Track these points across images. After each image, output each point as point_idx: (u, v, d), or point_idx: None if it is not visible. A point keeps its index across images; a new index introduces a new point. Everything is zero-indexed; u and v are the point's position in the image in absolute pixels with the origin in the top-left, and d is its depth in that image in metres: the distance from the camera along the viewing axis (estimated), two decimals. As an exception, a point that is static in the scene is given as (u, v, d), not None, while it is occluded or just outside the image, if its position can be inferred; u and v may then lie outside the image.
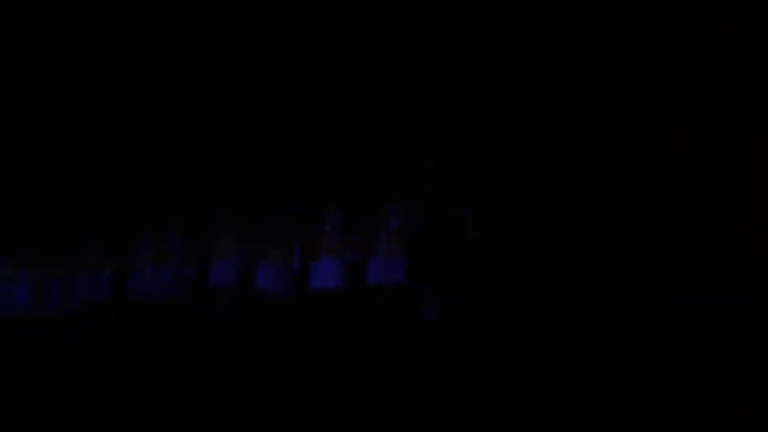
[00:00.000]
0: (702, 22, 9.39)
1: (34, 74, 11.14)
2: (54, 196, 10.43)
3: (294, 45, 10.60)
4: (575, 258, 9.10)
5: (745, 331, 7.79)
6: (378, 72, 10.38)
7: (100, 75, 10.98)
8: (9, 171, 10.59)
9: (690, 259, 8.86)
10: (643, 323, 8.36)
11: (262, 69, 10.64)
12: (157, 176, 10.58)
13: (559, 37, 10.06)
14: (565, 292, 8.83)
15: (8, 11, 11.10)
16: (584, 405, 6.93)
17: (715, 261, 8.76)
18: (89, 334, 8.87)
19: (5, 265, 9.31)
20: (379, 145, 10.06)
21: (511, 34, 9.96)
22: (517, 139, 9.76)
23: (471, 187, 9.17)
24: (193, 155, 10.63)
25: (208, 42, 10.72)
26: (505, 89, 9.92)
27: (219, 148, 10.58)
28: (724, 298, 8.41)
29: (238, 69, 10.66)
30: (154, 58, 10.90)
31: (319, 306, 8.25)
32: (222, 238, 8.80)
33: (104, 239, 9.24)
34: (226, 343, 8.43)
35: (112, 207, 10.03)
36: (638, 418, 6.62)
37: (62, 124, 11.01)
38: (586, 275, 8.98)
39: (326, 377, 7.84)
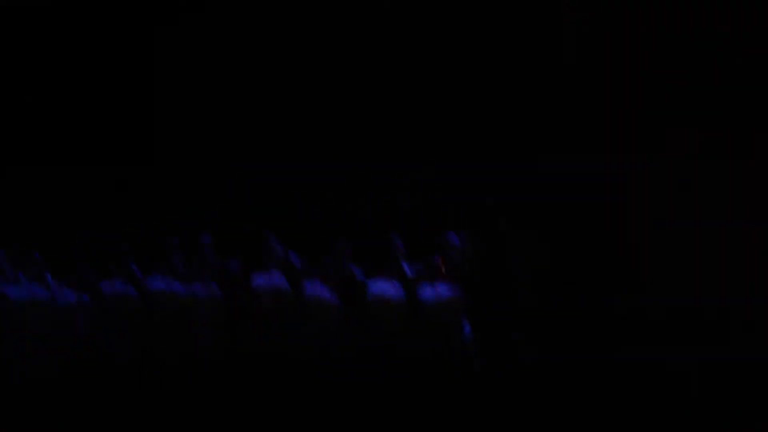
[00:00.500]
0: (702, 22, 9.39)
1: (34, 74, 11.13)
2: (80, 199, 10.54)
3: (294, 45, 10.60)
4: (575, 257, 9.09)
5: (744, 331, 7.79)
6: (377, 72, 10.37)
7: (101, 75, 10.96)
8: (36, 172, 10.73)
9: (690, 259, 8.86)
10: (642, 321, 8.36)
11: (262, 69, 10.63)
12: (158, 177, 10.58)
13: (559, 37, 10.07)
14: (566, 292, 8.82)
15: (8, 11, 11.08)
16: (584, 404, 6.94)
17: (715, 261, 8.76)
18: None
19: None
20: (384, 149, 10.08)
21: (512, 34, 9.95)
22: (517, 139, 9.76)
23: (471, 187, 9.17)
24: (194, 155, 10.63)
25: (208, 42, 10.71)
26: (506, 90, 9.92)
27: (221, 149, 10.57)
28: (724, 297, 8.41)
29: (238, 69, 10.64)
30: (154, 58, 10.88)
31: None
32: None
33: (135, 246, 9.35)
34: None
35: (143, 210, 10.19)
36: (640, 417, 6.62)
37: (62, 124, 11.00)
38: (585, 275, 8.97)
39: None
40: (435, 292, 8.41)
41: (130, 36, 10.88)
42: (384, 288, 8.54)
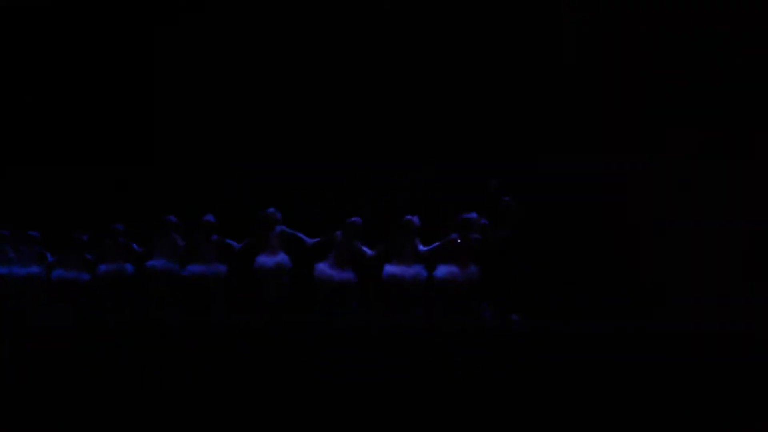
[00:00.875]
0: (702, 22, 9.40)
1: (35, 74, 11.14)
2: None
3: (295, 46, 10.60)
4: (575, 257, 9.10)
5: (744, 330, 7.79)
6: (377, 72, 10.39)
7: (101, 75, 10.97)
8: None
9: (690, 258, 8.87)
10: (641, 320, 8.37)
11: (262, 70, 10.63)
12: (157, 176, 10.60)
13: (559, 37, 10.07)
14: (566, 292, 8.83)
15: (8, 11, 11.09)
16: (584, 403, 6.95)
17: (715, 260, 8.77)
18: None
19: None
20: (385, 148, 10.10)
21: (512, 35, 9.96)
22: (517, 140, 9.77)
23: (472, 187, 9.17)
24: (193, 155, 10.63)
25: (208, 42, 10.72)
26: (506, 90, 9.92)
27: (220, 148, 10.58)
28: (723, 297, 8.42)
29: (238, 69, 10.65)
30: (154, 58, 10.89)
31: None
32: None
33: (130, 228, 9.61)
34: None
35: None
36: (640, 416, 6.64)
37: (63, 124, 11.02)
38: (585, 274, 8.98)
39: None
40: (451, 271, 8.47)
41: (130, 36, 10.90)
42: (400, 268, 8.60)
